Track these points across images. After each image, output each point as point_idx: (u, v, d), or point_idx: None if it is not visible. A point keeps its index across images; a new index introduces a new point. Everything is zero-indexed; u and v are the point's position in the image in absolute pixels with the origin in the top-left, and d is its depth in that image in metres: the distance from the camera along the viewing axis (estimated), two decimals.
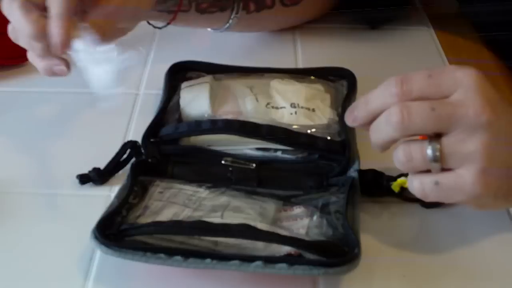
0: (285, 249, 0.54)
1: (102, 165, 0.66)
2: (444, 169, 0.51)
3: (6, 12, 0.63)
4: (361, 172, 0.62)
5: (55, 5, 0.60)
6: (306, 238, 0.56)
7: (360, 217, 0.58)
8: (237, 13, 0.80)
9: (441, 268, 0.57)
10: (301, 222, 0.58)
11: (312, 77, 0.74)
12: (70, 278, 0.56)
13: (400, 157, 0.52)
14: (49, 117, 0.75)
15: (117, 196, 0.60)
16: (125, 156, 0.66)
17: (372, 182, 0.62)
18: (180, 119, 0.68)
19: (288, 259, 0.52)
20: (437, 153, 0.50)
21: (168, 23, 0.76)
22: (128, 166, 0.65)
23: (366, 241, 0.56)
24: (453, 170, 0.51)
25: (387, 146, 0.54)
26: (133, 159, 0.66)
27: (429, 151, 0.51)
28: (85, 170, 0.65)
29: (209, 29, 0.84)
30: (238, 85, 0.72)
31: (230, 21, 0.81)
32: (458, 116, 0.50)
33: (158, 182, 0.63)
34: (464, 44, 0.89)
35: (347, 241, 0.55)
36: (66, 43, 0.60)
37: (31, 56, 0.65)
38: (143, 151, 0.65)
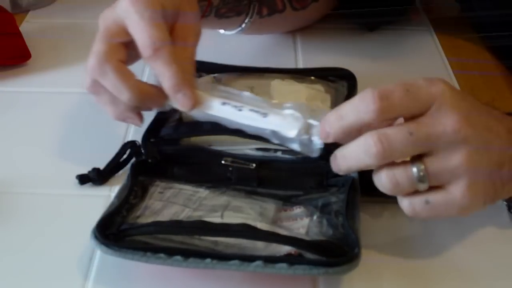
0: (285, 249, 0.54)
1: (102, 165, 0.66)
2: (432, 187, 0.51)
3: (98, 76, 0.59)
4: (361, 172, 0.62)
5: (171, 72, 0.58)
6: (306, 238, 0.56)
7: (360, 217, 0.58)
8: (251, 17, 0.80)
9: (441, 268, 0.57)
10: (301, 222, 0.59)
11: (312, 78, 0.74)
12: (70, 278, 0.56)
13: (385, 183, 0.52)
14: (49, 117, 0.75)
15: (117, 196, 0.60)
16: (125, 156, 0.66)
17: (372, 182, 0.62)
18: (180, 119, 0.68)
19: (288, 259, 0.52)
20: (422, 173, 0.51)
21: None
22: (128, 166, 0.65)
23: (366, 241, 0.56)
24: (441, 187, 0.51)
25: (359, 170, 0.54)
26: (133, 159, 0.66)
27: (414, 173, 0.51)
28: (85, 170, 0.65)
29: (221, 31, 0.83)
30: (238, 85, 0.72)
31: (243, 25, 0.80)
32: (436, 135, 0.50)
33: (158, 182, 0.63)
34: (464, 44, 0.89)
35: (347, 241, 0.55)
36: (196, 103, 0.59)
37: (101, 102, 0.62)
38: (143, 151, 0.65)
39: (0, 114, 0.76)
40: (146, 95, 0.60)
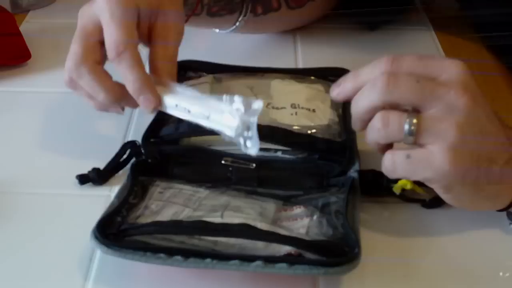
0: (285, 249, 0.54)
1: (102, 165, 0.66)
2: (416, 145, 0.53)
3: (75, 76, 0.61)
4: (361, 172, 0.62)
5: (133, 76, 0.59)
6: (306, 238, 0.56)
7: (360, 217, 0.58)
8: (245, 15, 0.80)
9: (441, 268, 0.57)
10: (301, 222, 0.58)
11: (312, 78, 0.74)
12: (70, 278, 0.56)
13: (376, 123, 0.53)
14: (49, 117, 0.75)
15: (117, 196, 0.60)
16: (125, 156, 0.66)
17: (372, 182, 0.62)
18: (180, 119, 0.68)
19: (288, 259, 0.52)
20: (413, 127, 0.52)
21: None
22: (128, 166, 0.65)
23: (366, 241, 0.55)
24: (425, 146, 0.52)
25: (367, 116, 0.54)
26: (133, 159, 0.66)
27: (406, 124, 0.52)
28: (85, 170, 0.65)
29: (216, 30, 0.83)
30: (238, 85, 0.72)
31: (237, 23, 0.81)
32: (440, 93, 0.52)
33: (158, 182, 0.63)
34: (464, 44, 0.89)
35: (347, 241, 0.55)
36: (158, 105, 0.60)
37: (80, 96, 0.64)
38: (143, 151, 0.65)
39: (0, 114, 0.76)
40: (121, 96, 0.61)
